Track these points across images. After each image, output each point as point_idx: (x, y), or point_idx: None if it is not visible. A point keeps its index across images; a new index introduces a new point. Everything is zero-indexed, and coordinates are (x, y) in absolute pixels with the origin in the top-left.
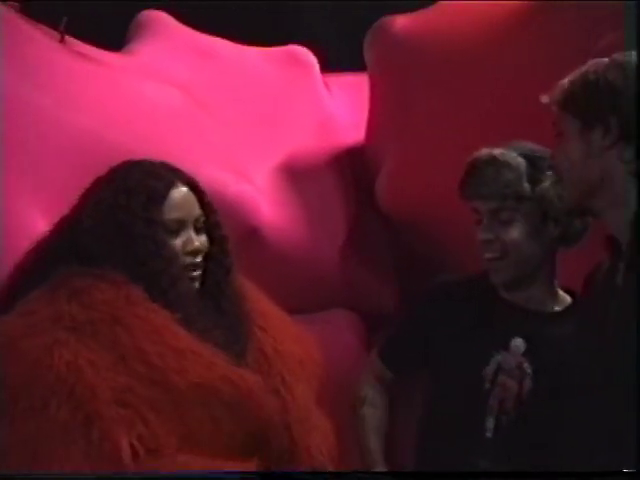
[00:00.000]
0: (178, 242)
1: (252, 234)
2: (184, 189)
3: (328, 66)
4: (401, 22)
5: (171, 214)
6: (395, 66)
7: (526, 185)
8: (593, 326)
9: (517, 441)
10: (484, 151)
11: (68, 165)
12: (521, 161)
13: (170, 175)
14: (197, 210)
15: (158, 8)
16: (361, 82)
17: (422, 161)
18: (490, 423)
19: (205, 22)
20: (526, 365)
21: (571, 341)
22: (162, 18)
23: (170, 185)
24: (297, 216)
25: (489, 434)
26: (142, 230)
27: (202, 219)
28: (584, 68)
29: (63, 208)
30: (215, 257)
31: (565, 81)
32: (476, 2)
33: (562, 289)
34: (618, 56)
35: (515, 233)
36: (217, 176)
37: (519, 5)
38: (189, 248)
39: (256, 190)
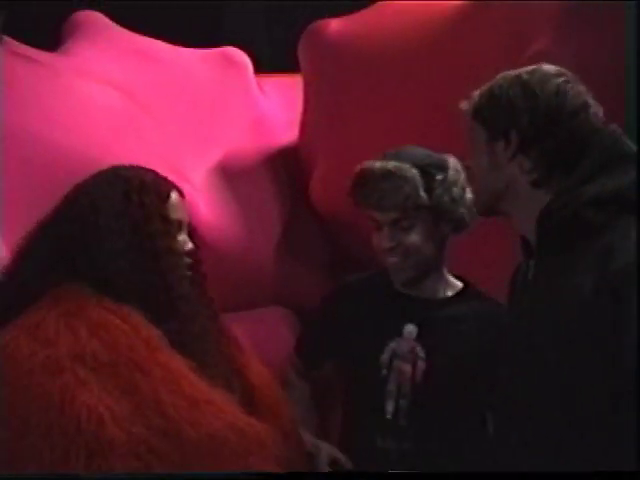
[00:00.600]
0: (180, 241)
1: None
2: (175, 194)
3: (261, 67)
4: (335, 25)
5: (175, 214)
6: (328, 68)
7: (423, 194)
8: (510, 320)
9: (416, 421)
10: (376, 164)
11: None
12: (415, 172)
13: (164, 180)
14: (185, 213)
15: (92, 8)
16: (294, 83)
17: (354, 162)
18: (390, 406)
19: (139, 23)
20: (418, 349)
21: (464, 322)
22: (97, 18)
23: (170, 186)
24: (233, 214)
25: (389, 416)
26: (159, 226)
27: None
28: (494, 81)
29: None
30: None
31: (477, 91)
32: (409, 5)
33: (453, 276)
34: (524, 73)
35: (415, 238)
36: None
37: (453, 7)
38: (186, 249)
39: (193, 189)
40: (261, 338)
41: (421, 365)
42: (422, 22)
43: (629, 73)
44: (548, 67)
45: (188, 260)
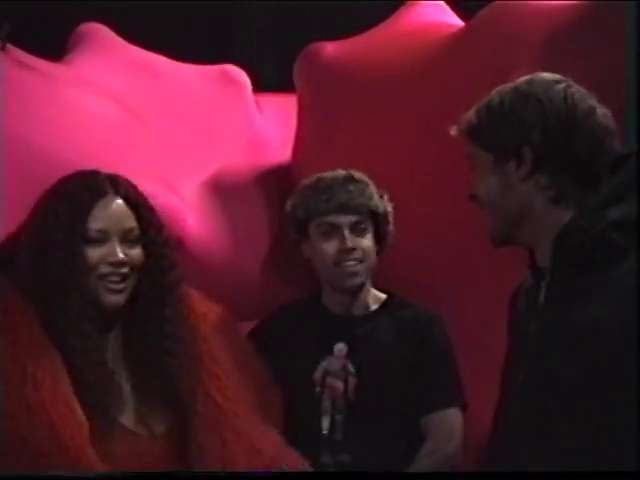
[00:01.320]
0: (97, 252)
1: (177, 245)
2: (118, 201)
3: (259, 86)
4: (330, 48)
5: (94, 224)
6: (322, 90)
7: (378, 201)
8: (516, 337)
9: (352, 435)
10: (334, 172)
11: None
12: (368, 180)
13: (106, 186)
14: (130, 222)
15: (98, 21)
16: (291, 102)
17: None
18: (326, 422)
19: (143, 37)
20: (349, 365)
21: (388, 334)
22: (101, 31)
23: (99, 195)
24: (223, 230)
25: (325, 431)
26: (60, 236)
27: (136, 232)
28: (489, 98)
29: None
30: (149, 274)
31: (471, 113)
32: (405, 31)
33: (377, 288)
34: (522, 84)
35: (369, 242)
36: (146, 187)
37: (446, 35)
38: (110, 259)
39: (183, 203)
40: None
41: (352, 381)
42: (415, 48)
43: (629, 73)
44: (544, 74)
45: (112, 269)
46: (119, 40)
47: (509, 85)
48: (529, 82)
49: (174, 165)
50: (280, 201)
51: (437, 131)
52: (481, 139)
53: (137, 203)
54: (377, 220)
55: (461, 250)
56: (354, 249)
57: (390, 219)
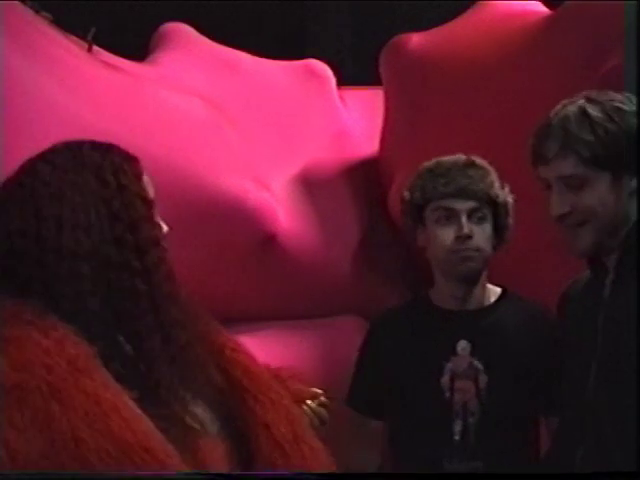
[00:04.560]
0: (161, 227)
1: (270, 241)
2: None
3: (344, 80)
4: (416, 39)
5: (152, 194)
6: (409, 82)
7: (499, 190)
8: (580, 334)
9: (486, 438)
10: (455, 156)
11: None
12: (492, 169)
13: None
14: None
15: (180, 20)
16: (375, 97)
17: None
18: (457, 427)
19: (224, 35)
20: (476, 362)
21: (514, 327)
22: (184, 30)
23: (137, 160)
24: (312, 225)
25: (457, 437)
26: (143, 212)
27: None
28: (588, 119)
29: None
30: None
31: (584, 137)
32: (489, 20)
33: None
34: (614, 101)
35: (487, 231)
36: (238, 184)
37: (533, 22)
38: (164, 232)
39: (274, 198)
40: (334, 345)
41: (483, 379)
42: (502, 36)
43: (629, 73)
44: (597, 93)
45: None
46: (201, 38)
47: (599, 100)
48: (598, 100)
49: (263, 161)
50: (367, 195)
51: (525, 124)
52: (602, 160)
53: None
54: (497, 210)
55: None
56: (470, 237)
57: (510, 211)
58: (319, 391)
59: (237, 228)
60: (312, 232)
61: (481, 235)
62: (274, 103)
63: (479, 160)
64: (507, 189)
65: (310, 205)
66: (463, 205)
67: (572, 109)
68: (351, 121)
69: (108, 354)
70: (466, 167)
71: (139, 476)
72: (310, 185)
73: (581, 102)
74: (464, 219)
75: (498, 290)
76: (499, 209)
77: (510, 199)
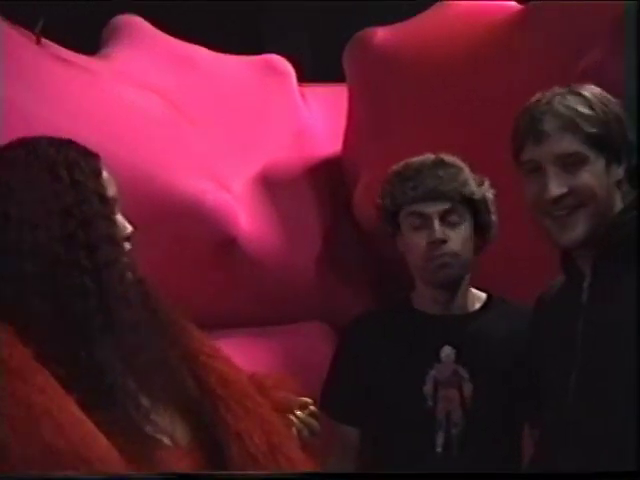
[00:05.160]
0: (120, 225)
1: (230, 244)
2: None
3: (305, 77)
4: (381, 34)
5: (111, 191)
6: (374, 78)
7: (475, 187)
8: (558, 339)
9: (470, 449)
10: (425, 156)
11: None
12: (464, 165)
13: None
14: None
15: (133, 13)
16: (338, 93)
17: None
18: (440, 438)
19: (180, 29)
20: (461, 370)
21: (500, 332)
22: (138, 23)
23: (97, 156)
24: (274, 227)
25: (439, 449)
26: (98, 208)
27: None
28: (587, 99)
29: None
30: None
31: (588, 118)
32: (456, 15)
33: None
34: (602, 92)
35: (464, 233)
36: (196, 184)
37: (501, 20)
38: (127, 232)
39: (234, 199)
40: (298, 352)
41: (468, 387)
42: (470, 32)
43: (629, 73)
44: (580, 85)
45: (128, 246)
46: (156, 32)
47: (585, 88)
48: (587, 88)
49: (222, 160)
50: (330, 196)
51: (495, 120)
52: (600, 140)
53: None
54: (475, 209)
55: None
56: (444, 241)
57: (492, 208)
58: (308, 400)
59: (195, 231)
60: (274, 235)
61: (457, 238)
62: (233, 100)
63: (449, 158)
64: (487, 184)
65: (272, 206)
66: (434, 208)
67: (563, 91)
68: (313, 119)
69: (51, 355)
70: (435, 167)
71: (145, 476)
72: (271, 185)
73: (568, 89)
74: (436, 223)
75: (483, 295)
76: (478, 207)
77: (490, 194)
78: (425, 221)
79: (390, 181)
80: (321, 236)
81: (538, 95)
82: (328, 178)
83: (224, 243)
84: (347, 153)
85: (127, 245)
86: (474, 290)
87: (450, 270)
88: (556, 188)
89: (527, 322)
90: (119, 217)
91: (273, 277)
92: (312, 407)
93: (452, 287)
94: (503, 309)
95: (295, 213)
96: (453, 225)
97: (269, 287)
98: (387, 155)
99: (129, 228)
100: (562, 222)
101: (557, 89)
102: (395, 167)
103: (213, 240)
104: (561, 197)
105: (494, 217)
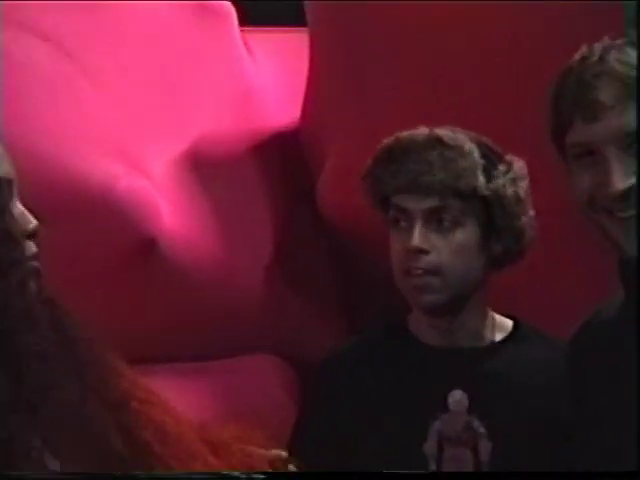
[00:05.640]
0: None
1: (147, 248)
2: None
3: (249, 19)
4: None
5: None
6: (347, 20)
7: (481, 178)
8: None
9: None
10: (418, 131)
11: None
12: (473, 147)
13: None
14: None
15: None
16: (294, 42)
17: None
18: None
19: None
20: (476, 423)
21: (528, 374)
22: None
23: None
24: (208, 224)
25: None
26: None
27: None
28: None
29: None
30: None
31: (622, 114)
32: None
33: (498, 312)
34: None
35: (456, 244)
36: (101, 166)
37: None
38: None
39: (154, 187)
40: (242, 395)
41: (485, 446)
42: None
43: None
44: None
45: (32, 247)
46: None
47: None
48: None
49: (137, 133)
50: (285, 182)
51: (498, 85)
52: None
53: None
54: (486, 207)
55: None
56: (425, 251)
57: (516, 207)
58: (282, 454)
59: (101, 230)
60: (208, 235)
61: (446, 247)
62: (155, 52)
63: (449, 135)
64: (511, 173)
65: (204, 196)
66: (417, 204)
67: (619, 43)
68: (260, 76)
69: None
70: (426, 147)
71: (145, 476)
72: (205, 167)
73: (627, 39)
74: (418, 225)
75: (508, 323)
76: (490, 205)
77: (516, 188)
78: (408, 220)
79: (377, 158)
80: (271, 236)
81: (583, 49)
82: (282, 158)
83: (140, 246)
84: (308, 122)
85: (31, 245)
86: (496, 316)
87: (431, 295)
88: (621, 180)
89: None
90: (18, 206)
91: (206, 294)
92: (291, 466)
93: (446, 314)
94: (535, 342)
95: (236, 206)
96: (443, 229)
97: (200, 308)
98: (364, 126)
99: (32, 222)
100: (629, 224)
101: (608, 41)
102: (387, 140)
103: (125, 242)
104: (628, 191)
105: (525, 219)
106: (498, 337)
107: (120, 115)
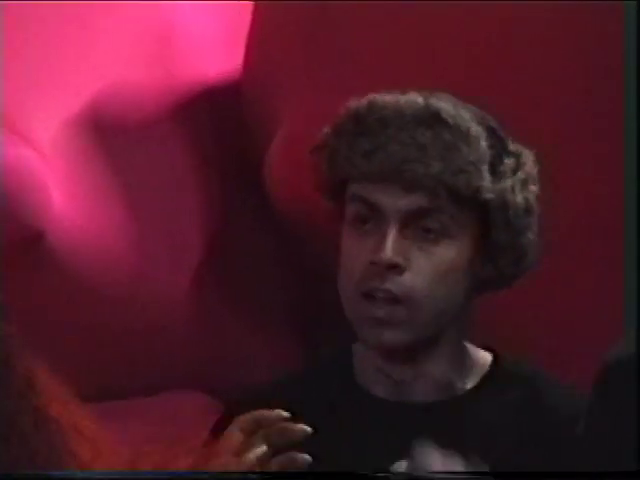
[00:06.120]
0: None
1: (33, 242)
2: None
3: None
4: None
5: None
6: None
7: (487, 176)
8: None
9: None
10: (406, 97)
11: None
12: (479, 130)
13: None
14: None
15: None
16: None
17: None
18: None
19: None
20: None
21: (511, 426)
22: None
23: None
24: (114, 213)
25: None
26: None
27: None
28: None
29: None
30: None
31: None
32: None
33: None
34: None
35: (443, 260)
36: None
37: None
38: None
39: (42, 160)
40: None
41: None
42: None
43: (629, 73)
44: None
45: None
46: None
47: None
48: None
49: (21, 89)
50: (220, 153)
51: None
52: None
53: None
54: (485, 215)
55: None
56: (397, 268)
57: (525, 220)
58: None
59: None
60: (113, 228)
61: (426, 266)
62: None
63: (449, 110)
64: (523, 172)
65: (109, 170)
66: (396, 201)
67: None
68: (186, 13)
69: None
70: (417, 122)
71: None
72: (111, 132)
73: None
74: (393, 230)
75: (485, 358)
76: (491, 214)
77: (529, 195)
78: (378, 221)
79: (338, 127)
80: (202, 231)
81: None
82: (215, 122)
83: (23, 242)
84: (253, 77)
85: None
86: (470, 349)
87: (394, 332)
88: None
89: (571, 408)
90: None
91: (111, 305)
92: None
93: (407, 361)
94: (521, 388)
95: (152, 184)
96: (426, 241)
97: (103, 326)
98: (334, 85)
99: None
100: None
101: None
102: (355, 103)
103: (6, 238)
104: None
105: (530, 236)
106: (471, 382)
107: None
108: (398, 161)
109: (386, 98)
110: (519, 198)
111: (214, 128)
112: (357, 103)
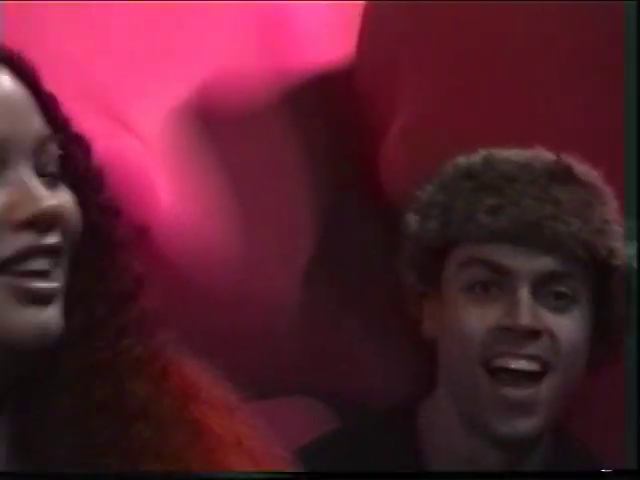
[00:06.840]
0: None
1: (139, 238)
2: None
3: None
4: None
5: None
6: None
7: (619, 237)
8: None
9: None
10: (526, 152)
11: None
12: (602, 182)
13: None
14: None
15: None
16: None
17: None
18: None
19: None
20: None
21: None
22: None
23: None
24: (221, 204)
25: None
26: None
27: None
28: None
29: None
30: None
31: None
32: None
33: None
34: None
35: (576, 328)
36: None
37: None
38: (28, 211)
39: (148, 151)
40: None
41: None
42: None
43: (629, 73)
44: None
45: (31, 241)
46: None
47: None
48: None
49: (126, 79)
50: (331, 150)
51: None
52: None
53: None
54: (604, 286)
55: None
56: (538, 333)
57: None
58: None
59: None
60: (218, 223)
61: (563, 333)
62: None
63: (577, 166)
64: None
65: (218, 165)
66: (530, 264)
67: None
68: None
69: None
70: (551, 176)
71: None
72: (219, 124)
73: None
74: (524, 294)
75: None
76: (610, 282)
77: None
78: (505, 285)
79: (446, 182)
80: (312, 228)
81: None
82: (327, 113)
83: (129, 237)
84: (368, 64)
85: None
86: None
87: (528, 419)
88: None
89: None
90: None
91: (220, 306)
92: None
93: (522, 451)
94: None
95: (263, 181)
96: (558, 307)
97: (215, 328)
98: (451, 71)
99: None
100: None
101: None
102: (461, 158)
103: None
104: None
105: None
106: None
107: (103, 56)
108: (534, 217)
109: (502, 153)
110: (635, 265)
111: (327, 118)
112: (466, 159)
